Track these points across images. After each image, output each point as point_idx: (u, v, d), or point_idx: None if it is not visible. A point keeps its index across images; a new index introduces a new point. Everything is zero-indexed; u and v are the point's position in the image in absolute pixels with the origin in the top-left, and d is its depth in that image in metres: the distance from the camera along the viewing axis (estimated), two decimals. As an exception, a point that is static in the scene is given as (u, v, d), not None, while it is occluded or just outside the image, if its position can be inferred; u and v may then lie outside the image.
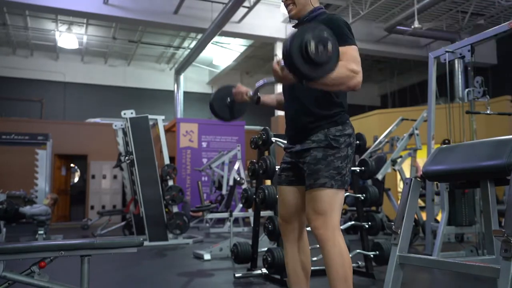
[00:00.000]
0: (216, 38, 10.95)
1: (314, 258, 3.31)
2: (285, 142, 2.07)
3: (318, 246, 1.84)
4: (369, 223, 3.69)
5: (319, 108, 1.87)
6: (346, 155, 1.86)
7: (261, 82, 1.97)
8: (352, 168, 3.70)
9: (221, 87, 2.24)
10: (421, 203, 6.47)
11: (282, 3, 1.99)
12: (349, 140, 1.87)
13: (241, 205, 7.91)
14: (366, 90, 16.22)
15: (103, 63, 14.32)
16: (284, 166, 2.02)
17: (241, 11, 9.44)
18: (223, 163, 9.05)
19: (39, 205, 6.70)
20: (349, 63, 1.71)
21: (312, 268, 2.11)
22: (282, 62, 1.62)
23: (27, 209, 6.49)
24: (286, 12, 2.02)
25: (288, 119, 2.00)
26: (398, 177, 7.37)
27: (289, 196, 1.98)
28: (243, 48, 12.82)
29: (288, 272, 2.01)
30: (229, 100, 2.17)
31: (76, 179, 13.56)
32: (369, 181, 5.84)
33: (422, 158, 7.41)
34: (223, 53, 13.11)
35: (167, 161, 6.64)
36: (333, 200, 1.81)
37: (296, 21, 1.99)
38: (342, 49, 1.72)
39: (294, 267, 1.98)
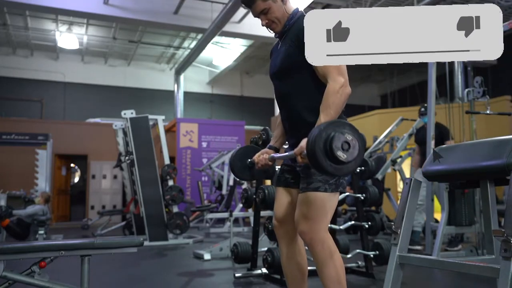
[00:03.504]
0: (216, 38, 10.95)
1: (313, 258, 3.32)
2: (285, 142, 2.07)
3: None
4: (369, 223, 3.69)
5: (314, 116, 1.83)
6: None
7: (283, 156, 1.89)
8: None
9: (240, 148, 2.17)
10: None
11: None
12: None
13: (241, 205, 7.92)
14: (366, 90, 16.22)
15: (103, 63, 14.32)
16: (284, 168, 2.02)
17: (241, 11, 9.44)
18: (223, 163, 9.06)
19: (33, 206, 6.71)
20: (335, 79, 1.73)
21: (310, 268, 2.11)
22: (304, 152, 1.59)
23: (21, 212, 6.51)
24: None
25: (287, 130, 2.00)
26: (398, 177, 7.37)
27: (286, 198, 1.97)
28: (243, 48, 12.82)
29: (285, 274, 2.01)
30: (249, 161, 2.12)
31: (76, 179, 13.57)
32: (369, 181, 5.85)
33: (422, 158, 7.40)
34: (223, 53, 13.12)
35: (167, 161, 6.64)
36: (324, 205, 1.79)
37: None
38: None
39: (290, 268, 1.97)
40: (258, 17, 1.93)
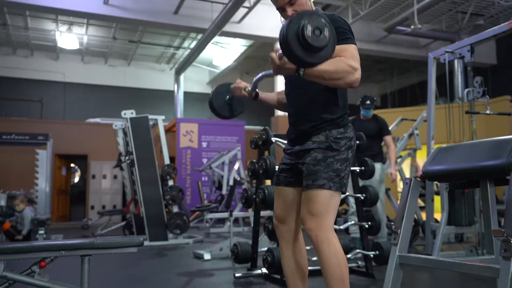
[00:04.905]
0: (216, 38, 10.96)
1: (314, 258, 3.32)
2: (286, 142, 2.07)
3: None
4: (369, 223, 3.69)
5: (324, 113, 1.86)
6: (346, 158, 1.85)
7: (259, 75, 1.96)
8: (352, 168, 3.70)
9: (220, 84, 2.23)
10: (421, 203, 6.48)
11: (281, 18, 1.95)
12: (350, 143, 1.87)
13: (241, 205, 7.92)
14: (366, 90, 16.20)
15: (103, 63, 14.32)
16: (283, 167, 2.01)
17: (241, 11, 9.45)
18: (223, 163, 9.06)
19: (22, 213, 6.67)
20: (349, 59, 1.71)
21: (310, 268, 2.11)
22: (280, 51, 1.63)
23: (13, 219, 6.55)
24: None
25: (291, 124, 2.00)
26: (398, 177, 7.38)
27: (287, 197, 1.97)
28: (243, 48, 12.82)
29: (285, 274, 2.00)
30: (228, 97, 2.14)
31: (76, 179, 13.57)
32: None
33: (422, 158, 7.41)
34: (223, 53, 13.12)
35: (167, 161, 6.64)
36: (329, 202, 1.79)
37: None
38: (342, 46, 1.75)
39: (291, 268, 1.97)
40: (283, 9, 1.90)
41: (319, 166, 1.81)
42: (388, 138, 5.00)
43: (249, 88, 2.03)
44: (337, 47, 1.76)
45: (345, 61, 1.70)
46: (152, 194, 6.25)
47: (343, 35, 1.78)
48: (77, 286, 1.80)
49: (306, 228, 1.82)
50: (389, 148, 5.02)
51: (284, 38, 1.54)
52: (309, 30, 1.52)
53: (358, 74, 1.71)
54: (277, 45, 2.06)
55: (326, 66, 1.67)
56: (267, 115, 12.63)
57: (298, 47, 1.54)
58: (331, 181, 1.80)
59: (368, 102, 4.98)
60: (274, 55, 1.69)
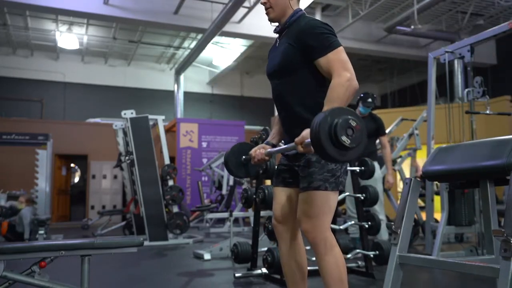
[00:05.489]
0: (216, 38, 10.95)
1: (313, 258, 3.31)
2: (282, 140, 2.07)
3: None
4: (369, 223, 3.69)
5: (315, 114, 1.86)
6: None
7: (278, 149, 1.90)
8: (352, 168, 3.70)
9: (236, 144, 2.15)
10: (421, 203, 6.48)
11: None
12: None
13: (241, 205, 7.92)
14: (365, 90, 16.18)
15: (103, 63, 14.31)
16: (281, 168, 2.02)
17: (241, 11, 9.44)
18: (223, 163, 9.05)
19: (20, 213, 6.68)
20: (340, 74, 1.71)
21: (310, 268, 2.11)
22: (307, 141, 1.58)
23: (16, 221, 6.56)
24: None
25: (285, 130, 2.00)
26: (398, 177, 7.38)
27: (286, 197, 1.98)
28: (243, 48, 12.81)
29: (285, 274, 2.01)
30: (244, 158, 2.10)
31: (76, 179, 13.56)
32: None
33: (422, 158, 7.41)
34: (223, 53, 13.11)
35: (167, 161, 6.64)
36: (325, 203, 1.80)
37: (278, 26, 1.99)
38: (328, 58, 1.76)
39: (290, 268, 1.98)
40: None
41: (313, 167, 1.81)
42: (384, 139, 4.98)
43: (268, 150, 1.97)
44: (324, 61, 1.76)
45: (340, 82, 1.69)
46: (152, 194, 6.26)
47: (327, 41, 1.77)
48: (77, 286, 1.80)
49: (303, 229, 1.82)
50: (384, 149, 4.98)
51: (316, 135, 1.47)
52: (342, 134, 1.46)
53: (353, 81, 1.72)
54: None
55: (333, 105, 1.64)
56: (267, 115, 12.64)
57: (331, 148, 1.48)
58: (326, 182, 1.80)
59: (369, 100, 4.89)
60: (300, 148, 1.64)
